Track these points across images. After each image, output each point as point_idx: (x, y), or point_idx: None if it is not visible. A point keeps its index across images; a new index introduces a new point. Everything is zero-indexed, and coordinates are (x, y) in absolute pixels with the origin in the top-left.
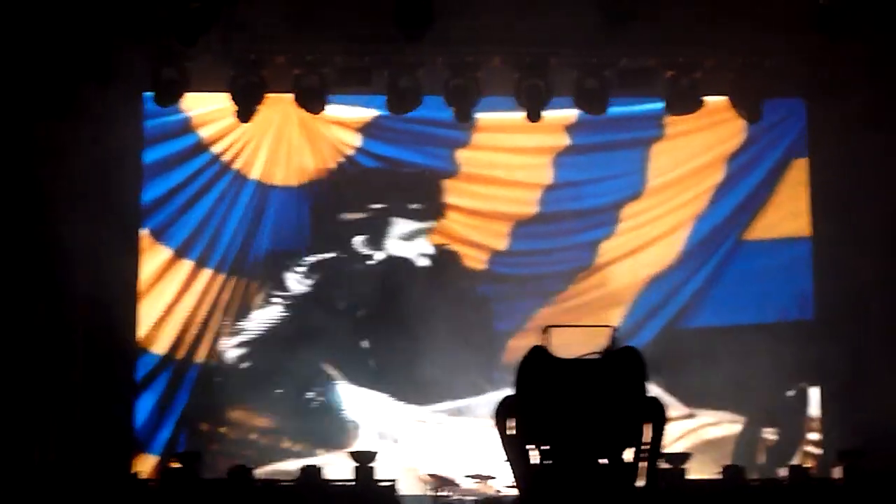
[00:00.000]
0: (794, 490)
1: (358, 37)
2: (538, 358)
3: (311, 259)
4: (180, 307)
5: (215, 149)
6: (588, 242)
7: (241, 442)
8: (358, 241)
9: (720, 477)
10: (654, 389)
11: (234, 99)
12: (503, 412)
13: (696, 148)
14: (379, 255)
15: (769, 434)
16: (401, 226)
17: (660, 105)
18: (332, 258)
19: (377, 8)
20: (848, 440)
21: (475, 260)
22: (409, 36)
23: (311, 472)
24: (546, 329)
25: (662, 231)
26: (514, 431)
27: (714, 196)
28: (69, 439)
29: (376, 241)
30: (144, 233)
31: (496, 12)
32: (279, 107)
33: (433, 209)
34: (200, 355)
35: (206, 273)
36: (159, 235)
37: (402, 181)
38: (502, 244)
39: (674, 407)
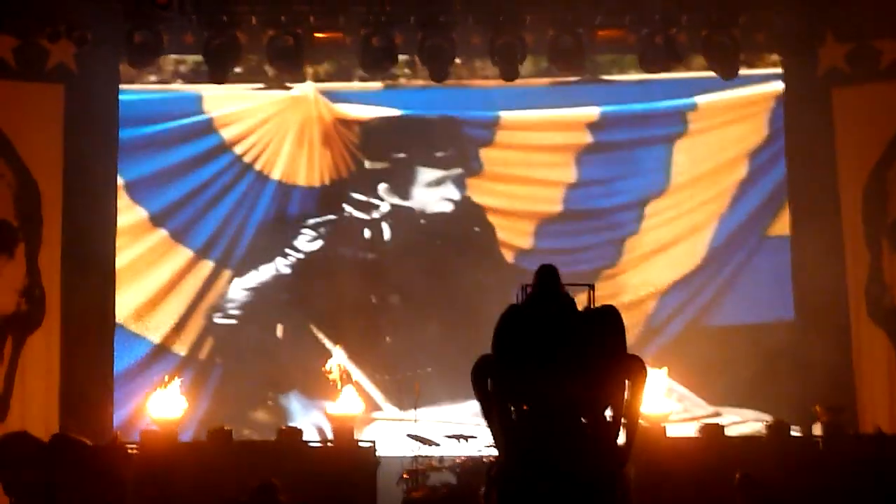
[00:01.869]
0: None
1: None
2: (515, 316)
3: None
4: (202, 307)
5: (237, 149)
6: (613, 240)
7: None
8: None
9: (698, 435)
10: (679, 388)
11: (207, 61)
12: (480, 372)
13: (719, 144)
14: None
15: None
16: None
17: (683, 101)
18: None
19: None
20: None
21: None
22: None
23: (291, 433)
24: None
25: (687, 228)
26: (491, 391)
27: (737, 192)
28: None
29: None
30: (163, 234)
31: None
32: (301, 107)
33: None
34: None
35: (227, 274)
36: (180, 237)
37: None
38: (527, 243)
39: (699, 406)
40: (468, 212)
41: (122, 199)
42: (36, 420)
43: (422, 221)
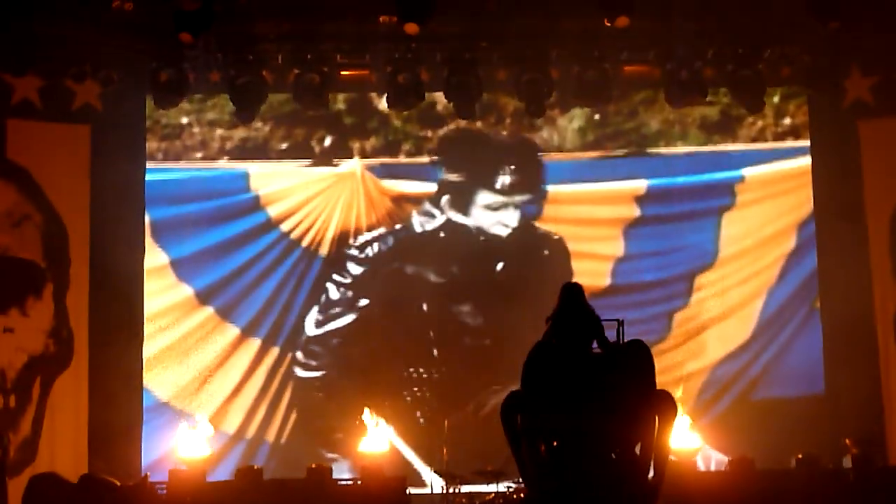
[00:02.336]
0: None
1: (358, 34)
2: (545, 352)
3: None
4: (248, 386)
5: (284, 226)
6: (662, 314)
7: None
8: None
9: (728, 469)
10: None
11: (233, 100)
12: (509, 408)
13: (767, 216)
14: None
15: None
16: None
17: (731, 174)
18: None
19: (376, 3)
20: None
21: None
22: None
23: (319, 471)
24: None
25: (737, 301)
26: (520, 427)
27: (786, 264)
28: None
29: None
30: (209, 311)
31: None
32: (347, 183)
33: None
34: (270, 434)
35: (274, 351)
36: (227, 314)
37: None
38: None
39: None
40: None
41: (169, 278)
42: (65, 461)
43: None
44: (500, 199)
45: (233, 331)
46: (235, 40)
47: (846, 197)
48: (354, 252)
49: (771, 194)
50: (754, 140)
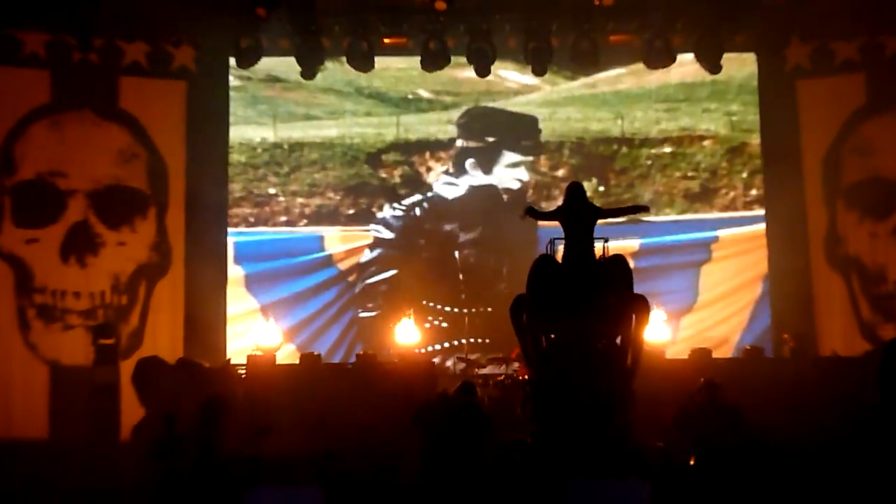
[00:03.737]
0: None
1: (397, 9)
2: (544, 263)
3: None
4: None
5: (351, 278)
6: None
7: None
8: None
9: (690, 357)
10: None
11: (298, 61)
12: (516, 308)
13: (736, 269)
14: None
15: None
16: None
17: (708, 234)
18: None
19: None
20: None
21: None
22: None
23: (367, 357)
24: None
25: (716, 339)
26: (525, 324)
27: (755, 309)
28: None
29: None
30: (292, 347)
31: None
32: None
33: None
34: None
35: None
36: (305, 349)
37: None
38: None
39: None
40: None
41: (259, 320)
42: (164, 347)
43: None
44: (516, 157)
45: None
46: (300, 14)
47: (787, 142)
48: (399, 213)
49: (740, 252)
50: (726, 208)
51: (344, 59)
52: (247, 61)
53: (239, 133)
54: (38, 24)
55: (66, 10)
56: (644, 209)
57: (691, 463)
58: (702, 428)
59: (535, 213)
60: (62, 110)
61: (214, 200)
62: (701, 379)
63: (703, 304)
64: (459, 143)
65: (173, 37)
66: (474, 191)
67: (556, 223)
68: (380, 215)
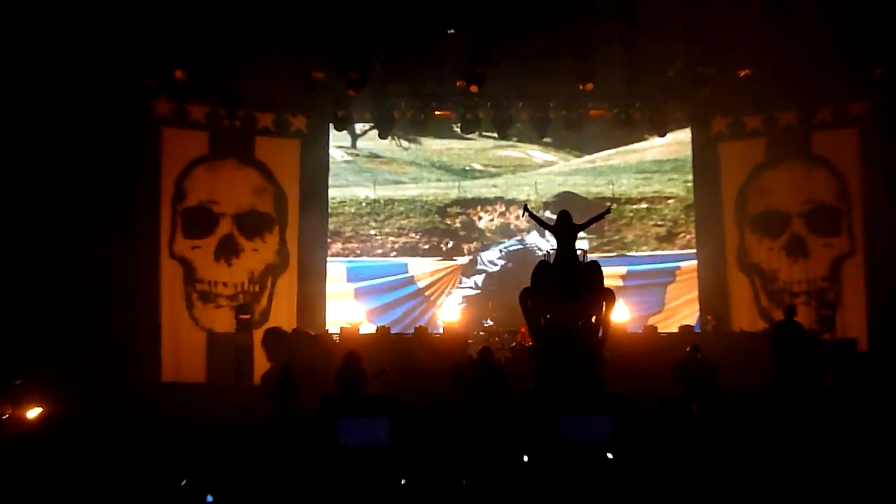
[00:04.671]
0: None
1: (443, 92)
2: (543, 266)
3: None
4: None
5: (427, 293)
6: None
7: None
8: None
9: (643, 332)
10: None
11: (376, 126)
12: (524, 296)
13: (689, 287)
14: None
15: None
16: None
17: (672, 264)
18: None
19: (452, 76)
20: None
21: None
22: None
23: (422, 329)
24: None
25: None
26: (530, 307)
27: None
28: None
29: None
30: None
31: (521, 77)
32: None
33: None
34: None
35: None
36: None
37: None
38: None
39: None
40: None
41: (365, 321)
42: (284, 321)
43: None
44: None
45: None
46: (378, 95)
47: (711, 186)
48: (495, 256)
49: (693, 277)
50: (684, 247)
51: (422, 139)
52: (342, 126)
53: (350, 192)
54: (200, 100)
55: (219, 90)
56: (607, 212)
57: (694, 409)
58: (690, 376)
59: (534, 217)
60: (216, 159)
61: (317, 221)
62: (687, 348)
63: (668, 311)
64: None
65: (291, 109)
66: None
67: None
68: (485, 254)
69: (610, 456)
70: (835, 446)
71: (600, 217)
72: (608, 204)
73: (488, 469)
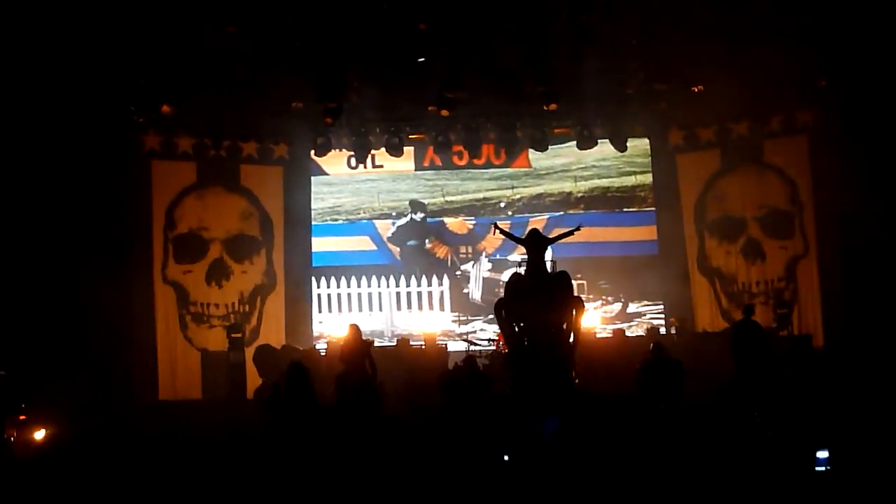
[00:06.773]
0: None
1: (417, 116)
2: (516, 277)
3: None
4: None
5: None
6: None
7: None
8: None
9: (611, 336)
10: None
11: (354, 154)
12: (497, 307)
13: None
14: None
15: None
16: None
17: None
18: None
19: (422, 100)
20: None
21: None
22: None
23: (404, 341)
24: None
25: None
26: (504, 316)
27: None
28: None
29: None
30: None
31: (488, 99)
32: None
33: None
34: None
35: None
36: None
37: None
38: None
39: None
40: None
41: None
42: (273, 339)
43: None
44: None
45: None
46: (354, 121)
47: (671, 196)
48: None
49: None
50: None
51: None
52: (321, 152)
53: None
54: (187, 132)
55: (205, 122)
56: (577, 229)
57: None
58: (655, 375)
59: (505, 233)
60: (204, 187)
61: (301, 243)
62: (651, 344)
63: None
64: None
65: (273, 138)
66: None
67: None
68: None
69: (581, 451)
70: (792, 436)
71: (569, 234)
72: (579, 223)
73: (473, 468)
